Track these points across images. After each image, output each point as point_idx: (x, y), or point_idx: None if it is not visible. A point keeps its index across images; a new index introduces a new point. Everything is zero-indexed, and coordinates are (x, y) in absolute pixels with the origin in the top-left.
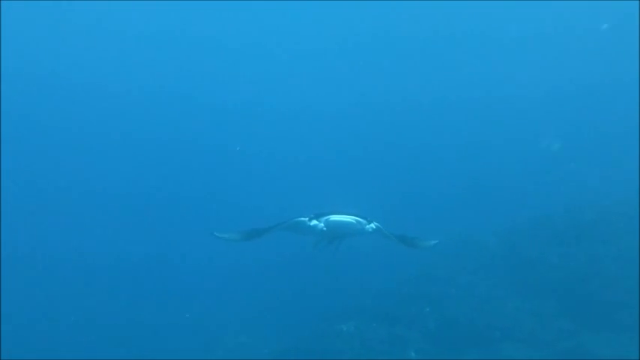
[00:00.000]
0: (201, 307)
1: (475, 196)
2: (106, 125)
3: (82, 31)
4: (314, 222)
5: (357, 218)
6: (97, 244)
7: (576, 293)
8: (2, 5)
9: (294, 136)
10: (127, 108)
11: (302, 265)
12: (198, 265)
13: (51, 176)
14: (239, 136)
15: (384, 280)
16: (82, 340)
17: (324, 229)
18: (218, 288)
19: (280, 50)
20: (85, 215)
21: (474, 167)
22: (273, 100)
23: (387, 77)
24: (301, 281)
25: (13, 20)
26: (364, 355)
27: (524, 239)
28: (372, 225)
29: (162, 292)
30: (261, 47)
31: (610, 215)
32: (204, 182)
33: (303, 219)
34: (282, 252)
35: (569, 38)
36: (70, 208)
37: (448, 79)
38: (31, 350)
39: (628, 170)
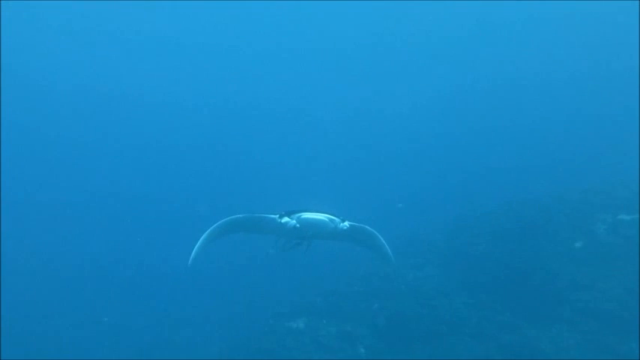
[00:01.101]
0: (149, 306)
1: (420, 193)
2: (105, 126)
3: (80, 32)
4: (285, 219)
5: (329, 216)
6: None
7: (519, 288)
8: (2, 5)
9: (272, 136)
10: (126, 110)
11: (252, 264)
12: (147, 264)
13: (58, 177)
14: (221, 136)
15: (333, 278)
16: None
17: (297, 225)
18: (167, 286)
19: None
20: (81, 215)
21: (419, 166)
22: (255, 98)
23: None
24: (251, 280)
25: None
26: (314, 352)
27: (469, 236)
28: (345, 224)
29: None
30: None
31: (551, 213)
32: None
33: (272, 216)
34: (232, 251)
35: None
36: (71, 208)
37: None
38: (31, 350)
39: (568, 169)
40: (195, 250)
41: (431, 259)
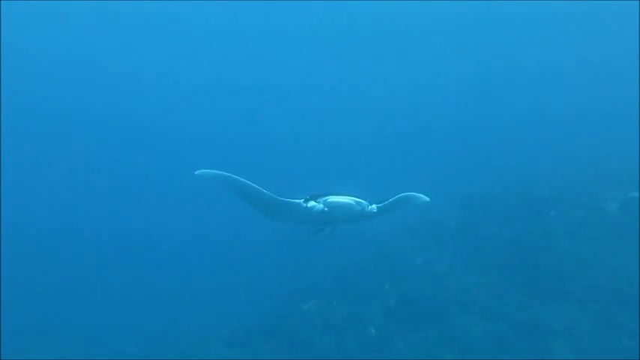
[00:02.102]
0: (161, 287)
1: (430, 174)
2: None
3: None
4: (311, 203)
5: (357, 199)
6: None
7: (530, 267)
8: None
9: (291, 122)
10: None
11: (262, 247)
12: (159, 246)
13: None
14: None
15: (344, 260)
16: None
17: (325, 209)
18: (179, 268)
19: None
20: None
21: (428, 147)
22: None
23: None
24: (262, 262)
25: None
26: (325, 333)
27: (479, 216)
28: (373, 207)
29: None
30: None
31: (560, 190)
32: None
33: (297, 201)
34: (243, 234)
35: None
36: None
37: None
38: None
39: (578, 147)
40: (214, 173)
41: (441, 240)
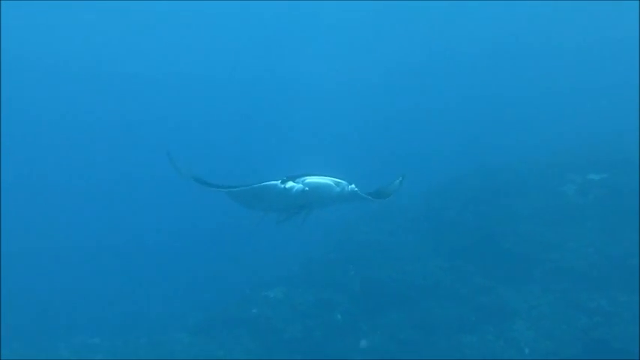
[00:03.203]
0: (124, 277)
1: (394, 159)
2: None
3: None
4: (290, 184)
5: (336, 180)
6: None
7: (492, 250)
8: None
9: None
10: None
11: (228, 235)
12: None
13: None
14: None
15: (309, 247)
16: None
17: (306, 189)
18: (142, 257)
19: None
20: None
21: (391, 133)
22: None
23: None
24: (228, 250)
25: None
26: (292, 320)
27: (442, 200)
28: (353, 186)
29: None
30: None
31: (522, 175)
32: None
33: (273, 182)
34: (208, 222)
35: None
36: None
37: None
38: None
39: (539, 131)
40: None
41: (405, 225)
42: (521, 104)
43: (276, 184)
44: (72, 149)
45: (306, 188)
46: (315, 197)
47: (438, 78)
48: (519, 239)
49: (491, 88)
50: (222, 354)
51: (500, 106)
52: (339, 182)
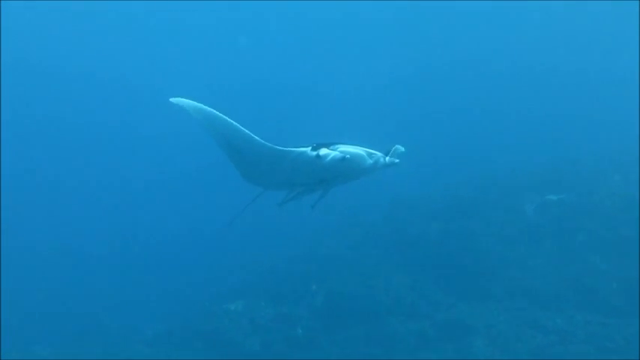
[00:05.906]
0: (80, 287)
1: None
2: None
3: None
4: (324, 151)
5: (369, 150)
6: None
7: (453, 267)
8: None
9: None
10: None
11: (186, 246)
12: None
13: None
14: None
15: (270, 259)
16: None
17: (347, 156)
18: (99, 267)
19: None
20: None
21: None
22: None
23: None
24: (186, 262)
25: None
26: (251, 334)
27: (405, 216)
28: (388, 158)
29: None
30: None
31: (483, 192)
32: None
33: (303, 149)
34: (166, 232)
35: None
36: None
37: None
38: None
39: (504, 150)
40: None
41: (369, 239)
42: (484, 123)
43: (305, 151)
44: (72, 149)
45: (347, 156)
46: (346, 169)
47: (403, 94)
48: (479, 256)
49: (457, 107)
50: None
51: (464, 124)
52: (372, 153)
